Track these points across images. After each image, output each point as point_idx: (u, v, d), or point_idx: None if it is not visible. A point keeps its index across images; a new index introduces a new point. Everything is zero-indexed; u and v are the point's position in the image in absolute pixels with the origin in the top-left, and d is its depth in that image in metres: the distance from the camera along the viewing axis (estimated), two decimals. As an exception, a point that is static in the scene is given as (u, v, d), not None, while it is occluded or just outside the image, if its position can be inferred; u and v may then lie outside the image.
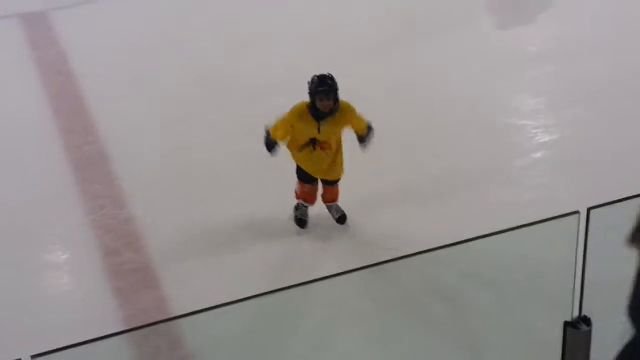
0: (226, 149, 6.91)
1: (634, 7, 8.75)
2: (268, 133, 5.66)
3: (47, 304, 5.56)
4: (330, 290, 3.68)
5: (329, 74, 5.43)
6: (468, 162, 6.64)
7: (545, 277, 3.90)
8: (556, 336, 3.81)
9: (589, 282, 3.63)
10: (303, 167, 5.72)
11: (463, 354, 4.14)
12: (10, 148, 7.07)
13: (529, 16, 8.90)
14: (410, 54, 8.16)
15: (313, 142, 5.57)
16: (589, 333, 3.75)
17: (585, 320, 3.74)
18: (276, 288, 3.44)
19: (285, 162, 5.84)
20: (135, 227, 6.09)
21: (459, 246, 3.59)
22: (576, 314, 3.72)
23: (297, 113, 5.50)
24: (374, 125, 5.74)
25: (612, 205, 3.56)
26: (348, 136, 5.77)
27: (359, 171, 6.14)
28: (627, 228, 3.80)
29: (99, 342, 3.19)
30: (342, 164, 5.78)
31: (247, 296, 3.34)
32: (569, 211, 4.05)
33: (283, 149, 5.76)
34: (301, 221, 5.97)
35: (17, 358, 3.08)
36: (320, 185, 5.90)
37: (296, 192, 5.92)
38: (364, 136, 5.71)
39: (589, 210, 3.47)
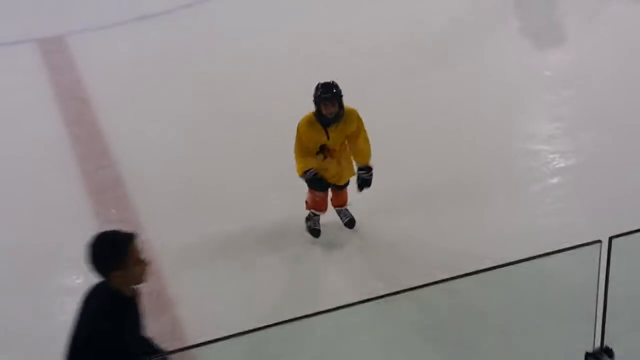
0: (239, 174, 6.91)
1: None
2: (304, 173, 5.72)
3: (60, 329, 5.52)
4: (353, 316, 3.64)
5: (333, 81, 5.56)
6: (483, 186, 6.60)
7: (566, 307, 3.85)
8: (577, 367, 3.77)
9: (611, 313, 3.57)
10: (322, 173, 5.80)
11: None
12: (26, 171, 7.10)
13: (545, 41, 8.90)
14: (425, 80, 8.18)
15: (322, 151, 5.69)
16: (611, 365, 3.70)
17: (607, 352, 3.68)
18: (295, 309, 3.40)
19: (294, 179, 5.84)
20: (149, 251, 6.06)
21: (475, 275, 3.57)
22: (597, 344, 3.67)
23: (306, 123, 5.62)
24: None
25: (634, 234, 3.51)
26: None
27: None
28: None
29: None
30: (352, 166, 5.90)
31: (268, 323, 3.31)
32: (587, 238, 4.01)
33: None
34: (315, 230, 6.15)
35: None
36: (329, 191, 6.04)
37: (307, 202, 6.05)
38: (364, 170, 5.79)
39: (610, 239, 3.42)
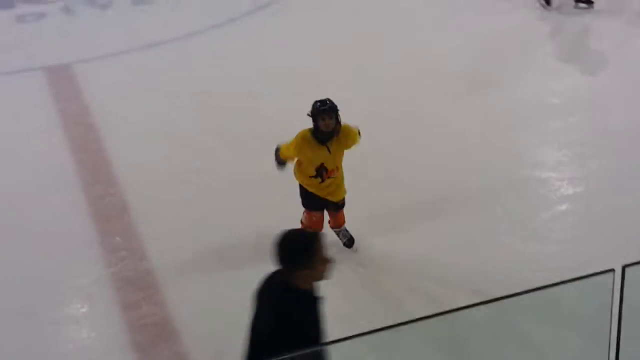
0: (244, 199, 6.87)
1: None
2: (278, 149, 6.01)
3: (65, 358, 5.49)
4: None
5: (327, 98, 5.70)
6: (491, 212, 6.55)
7: (579, 336, 3.78)
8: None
9: (625, 341, 3.50)
10: (313, 191, 5.89)
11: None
12: (32, 198, 7.08)
13: (552, 68, 8.89)
14: (434, 103, 8.19)
15: (319, 172, 5.78)
16: (625, 397, 3.62)
17: (621, 380, 3.61)
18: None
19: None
20: (155, 279, 6.03)
21: (485, 305, 3.51)
22: (611, 374, 3.61)
23: (304, 142, 5.72)
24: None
25: (647, 263, 3.45)
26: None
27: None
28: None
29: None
30: (343, 185, 6.00)
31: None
32: (598, 266, 3.95)
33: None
34: None
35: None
36: (326, 213, 6.11)
37: (302, 222, 6.09)
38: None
39: (624, 267, 3.36)
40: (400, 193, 6.83)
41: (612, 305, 3.45)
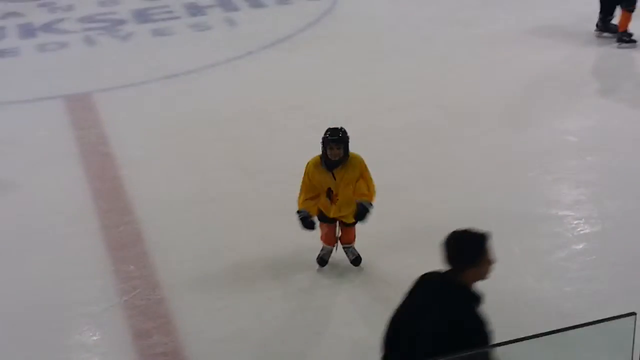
0: (257, 231, 6.87)
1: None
2: (300, 212, 5.98)
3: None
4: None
5: (341, 127, 5.89)
6: (506, 250, 6.48)
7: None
8: None
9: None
10: (325, 212, 6.07)
11: None
12: (48, 225, 7.10)
13: (568, 107, 8.88)
14: (452, 139, 8.19)
15: (329, 196, 5.95)
16: None
17: None
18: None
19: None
20: (167, 309, 6.01)
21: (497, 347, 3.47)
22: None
23: (313, 165, 5.94)
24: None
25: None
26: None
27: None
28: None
29: None
30: (353, 206, 6.01)
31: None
32: (613, 308, 3.89)
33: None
34: (322, 260, 6.37)
35: None
36: (338, 227, 6.26)
37: (321, 236, 6.32)
38: (360, 207, 5.92)
39: (645, 311, 3.31)
40: (416, 226, 6.80)
41: (633, 350, 3.37)
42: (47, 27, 11.87)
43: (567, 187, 7.44)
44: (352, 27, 11.41)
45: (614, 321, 3.35)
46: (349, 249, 6.40)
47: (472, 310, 3.96)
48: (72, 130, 8.78)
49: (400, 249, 6.56)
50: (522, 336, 3.94)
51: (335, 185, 5.92)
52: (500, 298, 5.92)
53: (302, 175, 6.02)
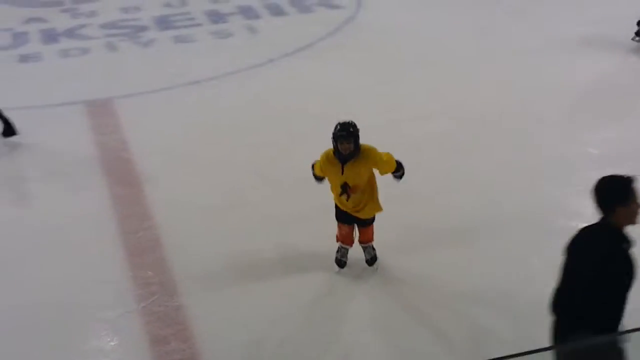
0: (276, 237, 6.89)
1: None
2: (313, 166, 6.28)
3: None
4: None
5: (351, 121, 5.97)
6: (526, 264, 6.46)
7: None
8: None
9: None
10: (341, 207, 6.19)
11: None
12: (67, 230, 7.15)
13: (590, 118, 8.83)
14: (470, 155, 8.16)
15: (344, 189, 6.03)
16: None
17: None
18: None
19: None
20: (185, 316, 6.02)
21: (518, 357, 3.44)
22: None
23: (326, 157, 6.08)
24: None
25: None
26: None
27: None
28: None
29: None
30: (376, 203, 6.23)
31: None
32: (633, 319, 3.85)
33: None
34: (340, 262, 6.44)
35: None
36: (356, 227, 6.35)
37: (337, 236, 6.40)
38: (395, 172, 6.26)
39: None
40: (436, 241, 6.78)
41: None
42: (70, 33, 11.97)
43: (588, 199, 7.30)
44: (374, 36, 11.42)
45: (633, 334, 3.32)
46: (366, 248, 6.47)
47: (623, 250, 4.23)
48: (93, 135, 8.84)
49: (417, 253, 6.58)
50: (541, 347, 3.93)
51: (348, 178, 6.01)
52: (519, 308, 5.92)
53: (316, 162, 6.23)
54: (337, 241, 6.43)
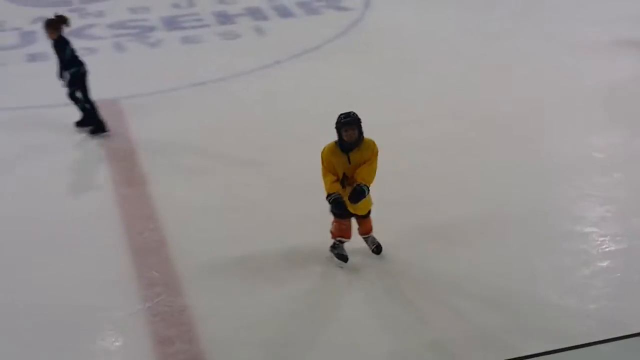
0: (284, 239, 6.88)
1: None
2: (330, 195, 6.13)
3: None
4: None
5: (352, 111, 6.09)
6: (530, 267, 6.46)
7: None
8: None
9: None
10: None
11: None
12: (72, 230, 7.17)
13: (596, 122, 8.83)
14: (474, 158, 8.17)
15: (342, 182, 6.11)
16: None
17: None
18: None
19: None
20: (190, 317, 6.04)
21: None
22: None
23: (329, 151, 6.11)
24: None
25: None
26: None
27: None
28: None
29: None
30: (369, 198, 6.25)
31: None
32: (638, 324, 3.86)
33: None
34: (342, 256, 6.50)
35: None
36: (354, 220, 6.43)
37: (332, 232, 6.46)
38: (358, 188, 6.08)
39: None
40: (438, 242, 6.79)
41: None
42: (77, 33, 11.99)
43: (593, 203, 7.38)
44: (381, 38, 11.44)
45: (637, 338, 3.32)
46: (368, 238, 6.58)
47: None
48: (99, 135, 8.86)
49: (419, 254, 6.60)
50: (545, 350, 3.93)
51: (350, 168, 6.09)
52: (524, 313, 5.92)
53: (321, 168, 6.17)
54: (334, 237, 6.48)
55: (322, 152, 6.16)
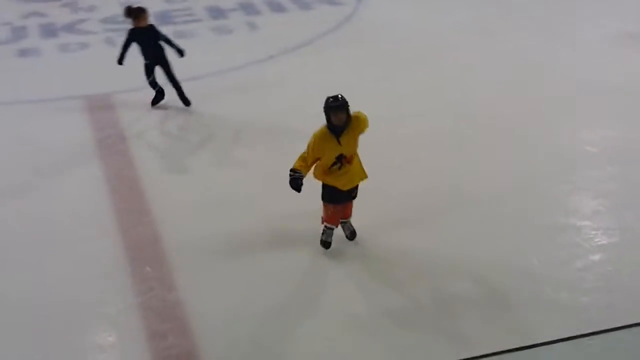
0: (277, 233, 6.88)
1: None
2: (295, 172, 6.19)
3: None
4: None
5: (339, 94, 6.14)
6: (524, 261, 6.47)
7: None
8: None
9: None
10: (337, 184, 6.30)
11: None
12: (65, 225, 7.14)
13: (589, 117, 8.84)
14: (468, 152, 8.17)
15: (339, 160, 6.21)
16: None
17: None
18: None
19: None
20: (183, 311, 6.02)
21: (514, 353, 3.45)
22: None
23: (320, 139, 6.15)
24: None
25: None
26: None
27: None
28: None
29: None
30: (362, 169, 6.40)
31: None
32: (629, 320, 3.84)
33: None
34: (327, 243, 6.61)
35: None
36: None
37: (323, 218, 6.56)
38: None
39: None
40: (433, 237, 6.79)
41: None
42: (69, 28, 11.97)
43: (587, 197, 7.39)
44: (373, 33, 11.43)
45: (628, 330, 3.31)
46: (346, 223, 6.68)
47: None
48: (91, 130, 8.84)
49: (414, 249, 6.58)
50: (537, 343, 3.91)
51: (341, 149, 6.17)
52: (517, 307, 5.93)
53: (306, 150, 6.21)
54: (323, 223, 6.57)
55: (313, 139, 6.19)
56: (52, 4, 12.89)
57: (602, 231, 6.83)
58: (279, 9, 12.40)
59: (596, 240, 6.73)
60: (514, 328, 5.69)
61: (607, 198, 7.33)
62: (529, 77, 9.79)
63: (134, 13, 8.94)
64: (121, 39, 11.45)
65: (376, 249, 6.59)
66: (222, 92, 9.67)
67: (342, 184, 6.34)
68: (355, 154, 6.31)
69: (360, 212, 6.67)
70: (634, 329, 3.55)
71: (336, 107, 6.07)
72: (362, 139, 6.26)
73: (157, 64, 9.06)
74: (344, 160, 6.21)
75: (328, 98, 6.13)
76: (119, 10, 12.43)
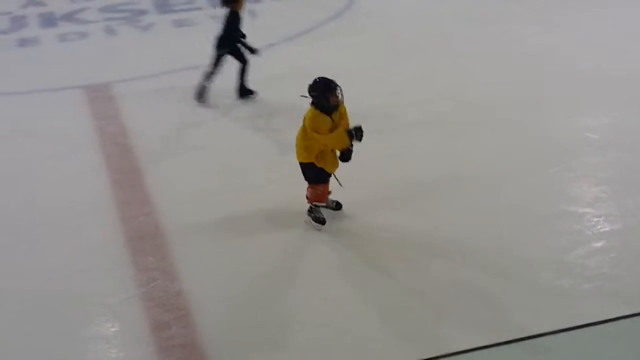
0: (279, 223, 6.88)
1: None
2: (349, 150, 6.43)
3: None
4: None
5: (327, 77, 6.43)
6: (525, 249, 6.48)
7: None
8: None
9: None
10: (328, 166, 6.56)
11: None
12: (66, 215, 7.14)
13: (589, 104, 8.83)
14: (468, 140, 8.16)
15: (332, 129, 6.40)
16: None
17: None
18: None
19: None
20: (186, 301, 6.03)
21: (516, 343, 3.44)
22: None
23: (318, 120, 6.37)
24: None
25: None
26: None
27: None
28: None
29: None
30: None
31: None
32: (632, 308, 3.84)
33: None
34: (321, 219, 6.77)
35: None
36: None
37: (308, 197, 6.75)
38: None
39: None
40: (432, 225, 6.80)
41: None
42: (68, 17, 11.94)
43: (587, 184, 7.39)
44: (372, 21, 11.40)
45: (631, 319, 3.32)
46: (328, 199, 6.90)
47: None
48: (91, 120, 8.83)
49: (414, 236, 6.58)
50: (540, 332, 3.92)
51: (334, 127, 6.39)
52: (519, 294, 5.93)
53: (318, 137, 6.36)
54: (312, 202, 6.74)
55: (313, 124, 6.36)
56: (51, -8, 12.85)
57: (603, 218, 6.83)
58: (278, -4, 12.38)
59: (598, 227, 6.73)
60: (516, 316, 5.68)
61: (608, 185, 7.33)
62: (528, 65, 9.78)
63: None
64: (121, 28, 11.44)
65: (376, 237, 6.60)
66: (222, 81, 9.62)
67: (330, 168, 6.60)
68: None
69: (358, 201, 6.68)
70: (637, 318, 3.55)
71: (335, 88, 6.31)
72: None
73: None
74: (334, 127, 6.41)
75: (321, 80, 6.37)
76: (118, -1, 12.47)
